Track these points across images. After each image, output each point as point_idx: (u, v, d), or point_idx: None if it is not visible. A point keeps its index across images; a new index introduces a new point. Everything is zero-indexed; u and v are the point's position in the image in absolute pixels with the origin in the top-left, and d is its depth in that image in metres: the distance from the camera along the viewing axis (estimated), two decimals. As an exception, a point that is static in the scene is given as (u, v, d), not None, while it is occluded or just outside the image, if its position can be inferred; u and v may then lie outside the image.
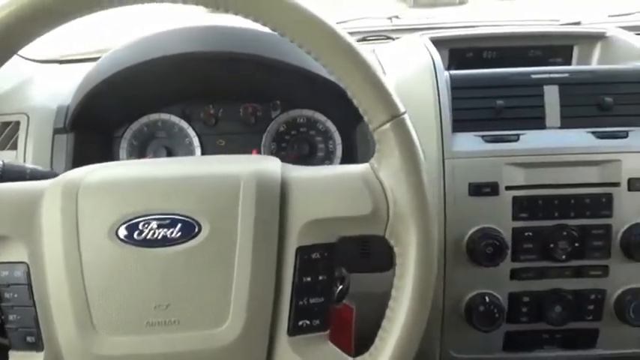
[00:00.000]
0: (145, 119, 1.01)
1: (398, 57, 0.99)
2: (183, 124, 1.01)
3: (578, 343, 0.90)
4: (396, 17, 1.39)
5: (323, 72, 0.94)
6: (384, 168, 0.54)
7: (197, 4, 0.53)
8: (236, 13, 0.53)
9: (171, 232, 0.53)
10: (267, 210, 0.54)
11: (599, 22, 1.44)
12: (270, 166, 0.58)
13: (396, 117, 0.53)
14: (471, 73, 0.90)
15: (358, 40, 1.34)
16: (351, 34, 1.54)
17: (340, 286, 0.78)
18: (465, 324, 0.86)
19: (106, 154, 1.00)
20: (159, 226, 0.53)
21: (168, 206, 0.54)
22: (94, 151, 0.97)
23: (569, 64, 1.05)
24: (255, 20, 0.53)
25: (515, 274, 0.86)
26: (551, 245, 0.84)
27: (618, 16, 1.43)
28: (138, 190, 0.54)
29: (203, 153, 1.02)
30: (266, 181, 0.55)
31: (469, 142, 0.85)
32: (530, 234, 0.84)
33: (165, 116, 1.01)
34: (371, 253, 0.91)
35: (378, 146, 0.55)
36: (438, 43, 1.01)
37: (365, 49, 0.54)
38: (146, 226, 0.53)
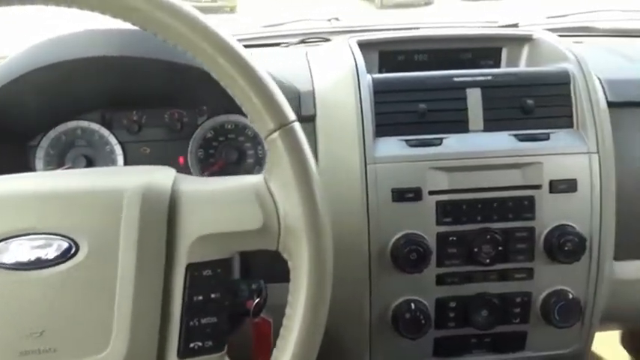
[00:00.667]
0: (62, 127, 0.96)
1: (323, 60, 0.97)
2: (104, 131, 0.97)
3: (506, 347, 0.90)
4: (336, 19, 1.38)
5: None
6: (275, 179, 0.52)
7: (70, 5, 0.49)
8: (114, 16, 0.50)
9: (46, 253, 0.49)
10: (152, 226, 0.51)
11: (537, 23, 1.46)
12: (160, 178, 0.55)
13: (284, 125, 0.51)
14: (393, 76, 0.89)
15: (296, 43, 1.32)
16: (288, 36, 1.51)
17: (257, 299, 0.76)
18: (393, 332, 0.85)
19: (21, 164, 0.95)
20: (32, 247, 0.50)
21: (43, 225, 0.50)
22: (8, 162, 0.92)
23: (499, 66, 1.05)
24: (133, 24, 0.50)
25: (440, 280, 0.85)
26: (476, 249, 0.83)
27: (556, 17, 1.46)
28: (9, 207, 0.50)
29: (126, 161, 0.98)
30: (153, 195, 0.52)
31: (392, 146, 0.84)
32: (455, 239, 0.84)
33: (84, 123, 0.96)
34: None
35: (269, 156, 0.52)
36: (366, 46, 0.99)
37: (249, 53, 0.52)
38: (18, 247, 0.49)
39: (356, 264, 0.85)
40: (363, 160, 0.83)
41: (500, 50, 1.04)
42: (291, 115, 0.52)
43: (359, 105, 0.84)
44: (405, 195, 0.82)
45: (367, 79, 0.87)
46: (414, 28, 1.25)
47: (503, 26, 1.35)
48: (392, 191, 0.82)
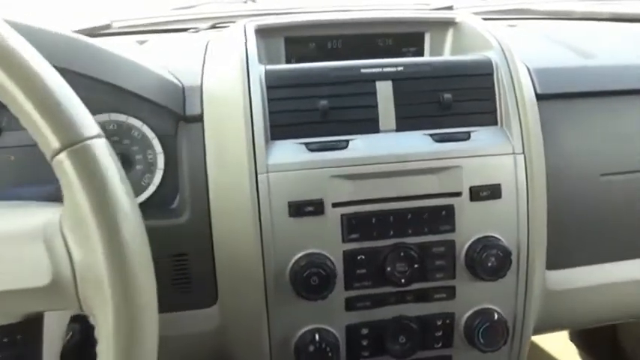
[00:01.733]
0: None
1: (218, 50, 0.83)
2: None
3: (428, 373, 0.81)
4: (253, 1, 1.23)
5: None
6: (67, 215, 0.39)
7: None
8: None
9: None
10: None
11: (473, 5, 1.36)
12: None
13: (75, 144, 0.37)
14: (289, 68, 0.76)
15: (207, 28, 1.18)
16: (200, 20, 1.34)
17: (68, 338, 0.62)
18: (297, 367, 0.74)
19: None
20: None
21: None
22: None
23: (423, 54, 0.94)
24: None
25: (350, 304, 0.74)
26: (389, 268, 0.72)
27: (492, -1, 1.36)
28: None
29: (-18, 173, 0.82)
30: None
31: (289, 151, 0.71)
32: (364, 257, 0.72)
33: None
34: (193, 286, 0.77)
35: (60, 185, 0.39)
36: (269, 32, 0.86)
37: (37, 56, 0.38)
38: None
39: (250, 291, 0.72)
40: (253, 168, 0.69)
41: (422, 36, 0.93)
42: (87, 131, 0.38)
43: (247, 102, 0.71)
44: (304, 209, 0.70)
45: (259, 70, 0.73)
46: (337, 11, 1.13)
47: (435, 9, 1.25)
48: (288, 205, 0.70)
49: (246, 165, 0.69)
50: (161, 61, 0.85)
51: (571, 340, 1.77)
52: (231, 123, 0.71)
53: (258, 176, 0.69)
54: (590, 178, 0.82)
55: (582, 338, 1.73)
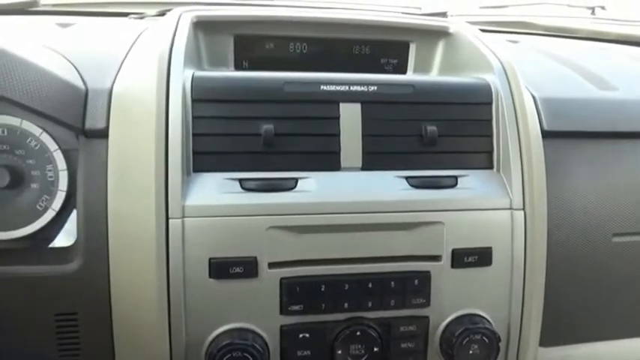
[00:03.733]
0: None
1: (144, 44, 0.65)
2: None
3: None
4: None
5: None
6: None
7: None
8: None
9: None
10: None
11: (468, 14, 1.20)
12: None
13: None
14: (225, 76, 0.57)
15: (154, 15, 0.99)
16: (150, 4, 1.13)
17: None
18: None
19: None
20: None
21: None
22: None
23: (405, 68, 0.77)
24: None
25: (287, 396, 0.57)
26: (340, 351, 0.55)
27: (490, 8, 1.20)
28: None
29: None
30: None
31: (215, 189, 0.53)
32: (308, 336, 0.55)
33: None
34: (83, 353, 0.59)
35: None
36: (215, 26, 0.68)
37: None
38: None
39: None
40: (164, 210, 0.51)
41: (407, 46, 0.76)
42: None
43: (162, 118, 0.52)
44: (231, 269, 0.52)
45: (184, 77, 0.55)
46: (306, 7, 0.95)
47: (425, 14, 1.08)
48: (209, 262, 0.52)
49: (153, 205, 0.51)
50: (73, 54, 0.67)
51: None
52: (140, 144, 0.53)
53: (170, 221, 0.51)
54: (601, 239, 0.67)
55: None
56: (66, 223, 0.62)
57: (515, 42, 0.97)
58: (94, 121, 0.57)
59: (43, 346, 0.58)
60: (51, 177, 0.65)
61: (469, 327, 0.55)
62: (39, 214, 0.60)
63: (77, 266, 0.56)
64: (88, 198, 0.57)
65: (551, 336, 0.68)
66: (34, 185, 0.65)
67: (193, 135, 0.54)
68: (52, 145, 0.63)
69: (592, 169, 0.68)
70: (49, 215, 0.60)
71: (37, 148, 0.64)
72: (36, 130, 0.64)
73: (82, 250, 0.56)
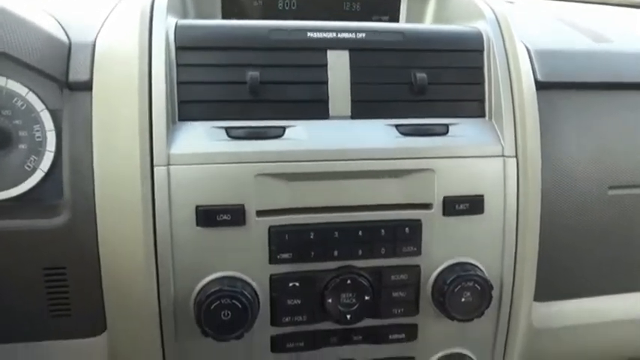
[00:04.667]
0: None
1: (126, 2, 0.64)
2: None
3: None
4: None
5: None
6: None
7: None
8: None
9: None
10: None
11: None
12: None
13: None
14: (209, 24, 0.56)
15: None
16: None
17: None
18: None
19: None
20: None
21: None
22: None
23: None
24: None
25: (278, 345, 0.56)
26: (330, 300, 0.55)
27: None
28: None
29: None
30: None
31: (201, 137, 0.52)
32: (298, 284, 0.54)
33: None
34: (73, 309, 0.59)
35: None
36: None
37: None
38: None
39: (141, 323, 0.54)
40: (148, 158, 0.51)
41: (398, 2, 0.74)
42: None
43: (146, 66, 0.51)
44: (219, 216, 0.52)
45: (167, 25, 0.54)
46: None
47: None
48: (196, 210, 0.52)
49: (138, 153, 0.51)
50: (56, 10, 0.66)
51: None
52: (124, 95, 0.52)
53: (155, 169, 0.51)
54: (596, 191, 0.66)
55: None
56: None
57: (510, 2, 0.95)
58: (77, 74, 0.56)
59: (33, 302, 0.58)
60: (39, 137, 0.64)
61: (461, 274, 0.54)
62: (27, 175, 0.60)
63: (64, 220, 0.56)
64: (74, 152, 0.56)
65: (546, 290, 0.67)
66: (21, 146, 0.64)
67: (178, 83, 0.53)
68: (38, 105, 0.63)
69: (587, 121, 0.67)
70: (37, 176, 0.60)
71: (23, 108, 0.64)
72: (22, 90, 0.63)
73: (69, 205, 0.56)
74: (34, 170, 0.61)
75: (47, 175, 0.60)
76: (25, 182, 0.61)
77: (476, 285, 0.55)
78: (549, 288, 0.67)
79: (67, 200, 0.56)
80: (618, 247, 0.68)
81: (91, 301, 0.57)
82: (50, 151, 0.63)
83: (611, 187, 0.66)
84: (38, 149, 0.64)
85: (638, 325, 0.72)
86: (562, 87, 0.66)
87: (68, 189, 0.56)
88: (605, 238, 0.67)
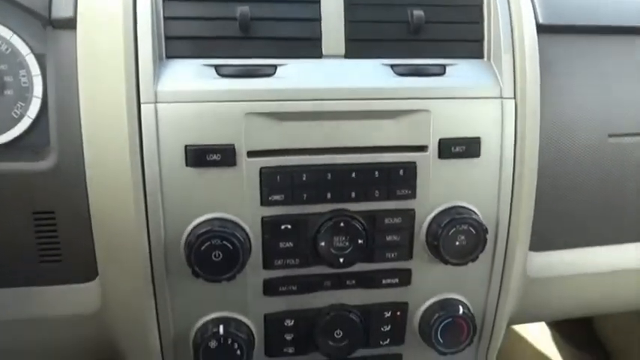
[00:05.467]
0: None
1: None
2: None
3: (373, 375, 0.64)
4: None
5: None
6: None
7: None
8: None
9: None
10: None
11: None
12: None
13: None
14: None
15: None
16: None
17: None
18: (195, 366, 0.56)
19: None
20: None
21: None
22: None
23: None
24: None
25: (270, 288, 0.56)
26: (323, 243, 0.54)
27: None
28: None
29: None
30: None
31: (189, 75, 0.51)
32: (290, 227, 0.53)
33: None
34: (63, 254, 0.58)
35: None
36: None
37: None
38: None
39: (132, 266, 0.53)
40: (134, 95, 0.49)
41: None
42: None
43: (130, 1, 0.49)
44: (208, 157, 0.50)
45: None
46: None
47: None
48: (186, 150, 0.50)
49: (123, 90, 0.49)
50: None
51: (547, 325, 1.66)
52: (108, 32, 0.50)
53: (142, 107, 0.49)
54: (596, 139, 0.64)
55: (558, 324, 1.62)
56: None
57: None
58: (60, 10, 0.54)
59: (23, 247, 0.57)
60: (25, 83, 0.62)
61: (456, 217, 0.54)
62: (15, 122, 0.58)
63: (52, 163, 0.55)
64: (60, 96, 0.54)
65: (542, 240, 0.66)
66: (7, 92, 0.62)
67: (164, 18, 0.51)
68: (23, 49, 0.61)
69: (589, 66, 0.65)
70: (25, 123, 0.58)
71: (8, 52, 0.62)
72: (6, 33, 0.61)
73: (57, 148, 0.54)
74: (21, 117, 0.60)
75: (35, 121, 0.58)
76: (13, 129, 0.59)
77: (470, 228, 0.54)
78: (546, 238, 0.66)
79: (54, 143, 0.55)
80: (617, 197, 0.67)
81: (81, 247, 0.57)
82: (37, 97, 0.61)
83: (611, 135, 0.65)
84: (25, 95, 0.62)
85: (636, 275, 0.72)
86: (564, 30, 0.64)
87: (55, 132, 0.55)
88: (604, 187, 0.66)
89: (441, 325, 0.58)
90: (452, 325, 0.58)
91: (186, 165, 0.51)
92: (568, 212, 0.66)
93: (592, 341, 1.52)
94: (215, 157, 0.50)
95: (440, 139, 0.54)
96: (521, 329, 1.58)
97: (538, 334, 1.57)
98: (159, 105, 0.49)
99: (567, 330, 1.57)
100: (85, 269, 0.58)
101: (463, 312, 0.58)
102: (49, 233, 0.57)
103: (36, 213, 0.56)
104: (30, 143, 0.59)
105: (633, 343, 1.39)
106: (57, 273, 0.58)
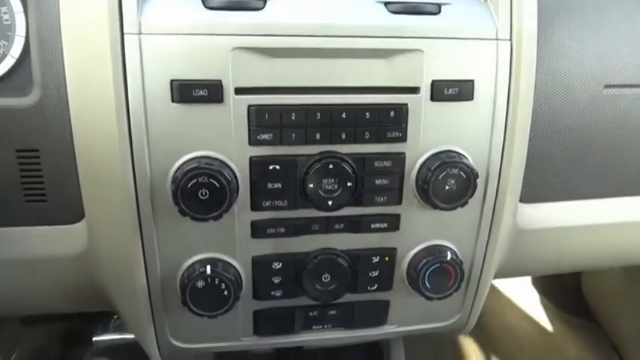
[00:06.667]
0: None
1: None
2: None
3: (361, 321, 0.63)
4: None
5: None
6: None
7: None
8: None
9: None
10: None
11: None
12: None
13: None
14: None
15: None
16: None
17: None
18: (183, 307, 0.56)
19: None
20: None
21: None
22: None
23: None
24: None
25: (258, 230, 0.55)
26: (312, 184, 0.53)
27: None
28: None
29: None
30: None
31: (174, 6, 0.49)
32: (278, 168, 0.52)
33: None
34: (48, 194, 0.57)
35: None
36: None
37: None
38: None
39: (118, 205, 0.52)
40: (118, 26, 0.47)
41: None
42: None
43: None
44: (195, 92, 0.49)
45: None
46: None
47: None
48: (171, 84, 0.49)
49: (106, 20, 0.47)
50: None
51: (533, 285, 1.68)
52: None
53: (126, 37, 0.47)
54: (591, 89, 0.63)
55: (545, 284, 1.64)
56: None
57: None
58: None
59: (7, 186, 0.56)
60: (7, 21, 0.60)
61: (446, 161, 0.53)
62: None
63: (35, 100, 0.53)
64: (42, 32, 0.52)
65: (534, 192, 0.66)
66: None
67: None
68: None
69: (586, 15, 0.63)
70: (8, 62, 0.56)
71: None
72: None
73: (40, 84, 0.53)
74: (4, 56, 0.58)
75: (18, 60, 0.57)
76: (-7, 70, 0.58)
77: (461, 172, 0.53)
78: (537, 190, 0.66)
79: (37, 80, 0.54)
80: (610, 150, 0.67)
81: (67, 187, 0.56)
82: (20, 36, 0.59)
83: (606, 86, 0.64)
84: (7, 34, 0.60)
85: (625, 229, 0.72)
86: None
87: (38, 70, 0.53)
88: (597, 140, 0.65)
89: (429, 270, 0.58)
90: (439, 270, 0.58)
91: (172, 101, 0.49)
92: (560, 164, 0.66)
93: (581, 307, 1.55)
94: (202, 92, 0.49)
95: (432, 81, 0.53)
96: (513, 295, 1.61)
97: (529, 301, 1.59)
98: (143, 37, 0.48)
99: (557, 296, 1.59)
100: (72, 210, 0.57)
101: (451, 258, 0.58)
102: (33, 172, 0.56)
103: (20, 151, 0.55)
104: (13, 82, 0.58)
105: (620, 308, 1.42)
106: (43, 213, 0.57)
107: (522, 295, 1.66)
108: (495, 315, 1.61)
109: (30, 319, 1.35)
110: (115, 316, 1.36)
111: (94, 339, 1.31)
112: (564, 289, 1.61)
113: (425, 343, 1.35)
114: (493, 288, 1.68)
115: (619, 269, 1.41)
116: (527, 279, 1.71)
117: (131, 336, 1.39)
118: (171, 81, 0.49)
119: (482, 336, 1.53)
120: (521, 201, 0.66)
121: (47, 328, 1.35)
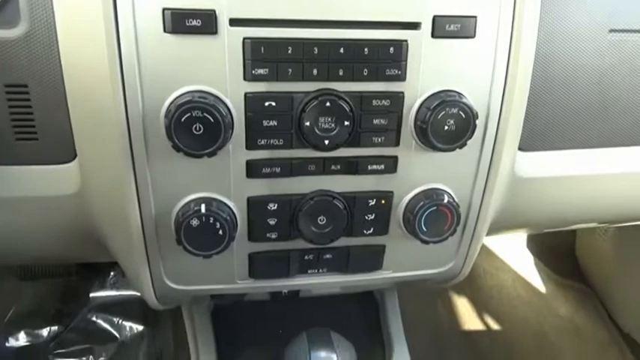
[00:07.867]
0: None
1: None
2: None
3: (356, 266, 0.63)
4: None
5: None
6: None
7: None
8: None
9: None
10: None
11: None
12: None
13: None
14: None
15: None
16: None
17: None
18: (178, 246, 0.55)
19: None
20: None
21: None
22: None
23: None
24: None
25: (253, 169, 0.54)
26: (308, 123, 0.52)
27: None
28: None
29: None
30: None
31: None
32: (274, 104, 0.51)
33: None
34: (39, 132, 0.56)
35: None
36: None
37: None
38: None
39: (110, 142, 0.51)
40: None
41: None
42: None
43: None
44: (188, 22, 0.47)
45: None
46: None
47: None
48: (163, 12, 0.47)
49: None
50: None
51: (527, 248, 1.69)
52: None
53: None
54: (595, 33, 0.62)
55: (539, 247, 1.65)
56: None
57: None
58: None
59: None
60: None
61: (446, 100, 0.51)
62: None
63: (22, 31, 0.51)
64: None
65: (534, 140, 0.65)
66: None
67: None
68: None
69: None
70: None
71: None
72: None
73: (27, 15, 0.51)
74: (-11, -9, 0.56)
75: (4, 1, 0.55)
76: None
77: (460, 112, 0.52)
78: (537, 137, 0.65)
79: (24, 11, 0.52)
80: (613, 98, 0.65)
81: (58, 125, 0.55)
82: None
83: (611, 31, 0.63)
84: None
85: (624, 180, 0.72)
86: None
87: (26, 1, 0.51)
88: (600, 87, 0.64)
89: (425, 213, 0.58)
90: (436, 213, 0.58)
91: (164, 31, 0.47)
92: (561, 112, 0.64)
93: (574, 270, 1.57)
94: (195, 22, 0.47)
95: (434, 16, 0.51)
96: (507, 258, 1.63)
97: (523, 263, 1.61)
98: (135, -37, 0.46)
99: (551, 259, 1.61)
100: (64, 149, 0.56)
101: (448, 201, 0.57)
102: (23, 109, 0.54)
103: (8, 86, 0.53)
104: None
105: (612, 271, 1.43)
106: (35, 153, 0.56)
107: (517, 257, 1.68)
108: (490, 276, 1.63)
109: (28, 275, 1.36)
110: (112, 273, 1.37)
111: (91, 295, 1.33)
112: (558, 252, 1.62)
113: (419, 299, 1.37)
114: (488, 250, 1.70)
115: (612, 232, 1.43)
116: (522, 243, 1.73)
117: (127, 292, 1.41)
118: (163, 9, 0.47)
119: (477, 296, 1.56)
120: (520, 149, 0.65)
121: (45, 285, 1.36)
